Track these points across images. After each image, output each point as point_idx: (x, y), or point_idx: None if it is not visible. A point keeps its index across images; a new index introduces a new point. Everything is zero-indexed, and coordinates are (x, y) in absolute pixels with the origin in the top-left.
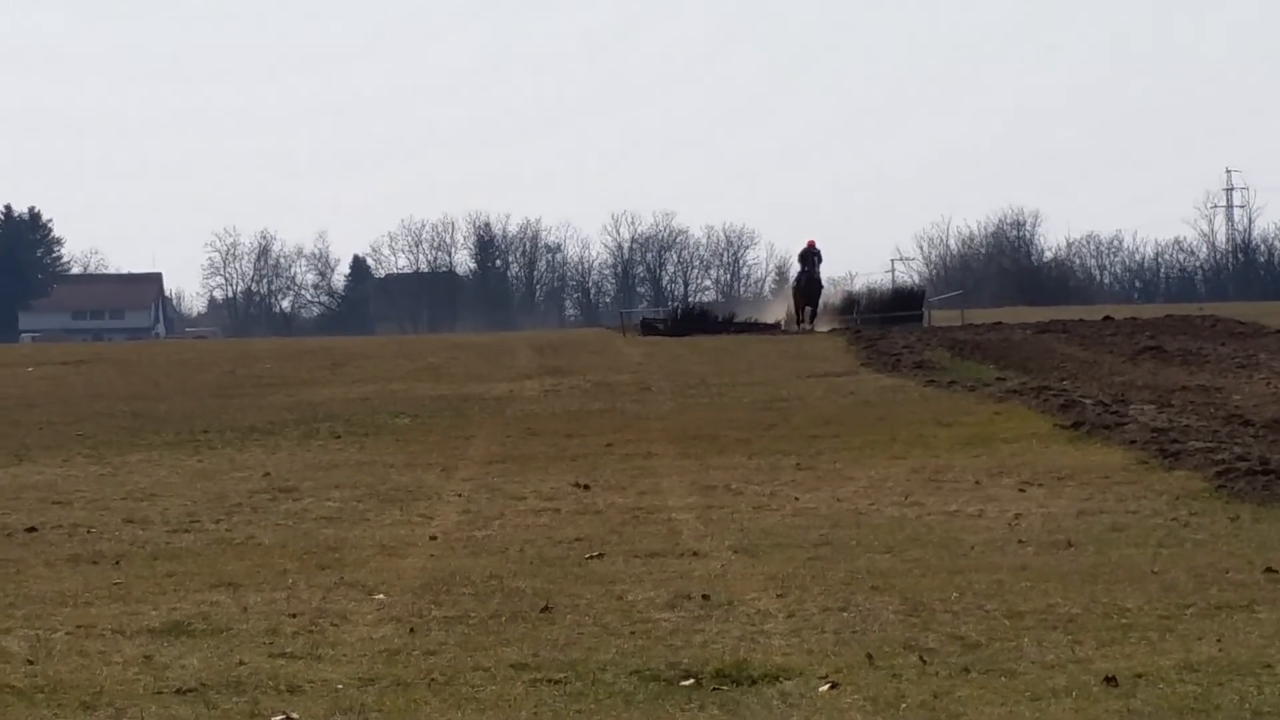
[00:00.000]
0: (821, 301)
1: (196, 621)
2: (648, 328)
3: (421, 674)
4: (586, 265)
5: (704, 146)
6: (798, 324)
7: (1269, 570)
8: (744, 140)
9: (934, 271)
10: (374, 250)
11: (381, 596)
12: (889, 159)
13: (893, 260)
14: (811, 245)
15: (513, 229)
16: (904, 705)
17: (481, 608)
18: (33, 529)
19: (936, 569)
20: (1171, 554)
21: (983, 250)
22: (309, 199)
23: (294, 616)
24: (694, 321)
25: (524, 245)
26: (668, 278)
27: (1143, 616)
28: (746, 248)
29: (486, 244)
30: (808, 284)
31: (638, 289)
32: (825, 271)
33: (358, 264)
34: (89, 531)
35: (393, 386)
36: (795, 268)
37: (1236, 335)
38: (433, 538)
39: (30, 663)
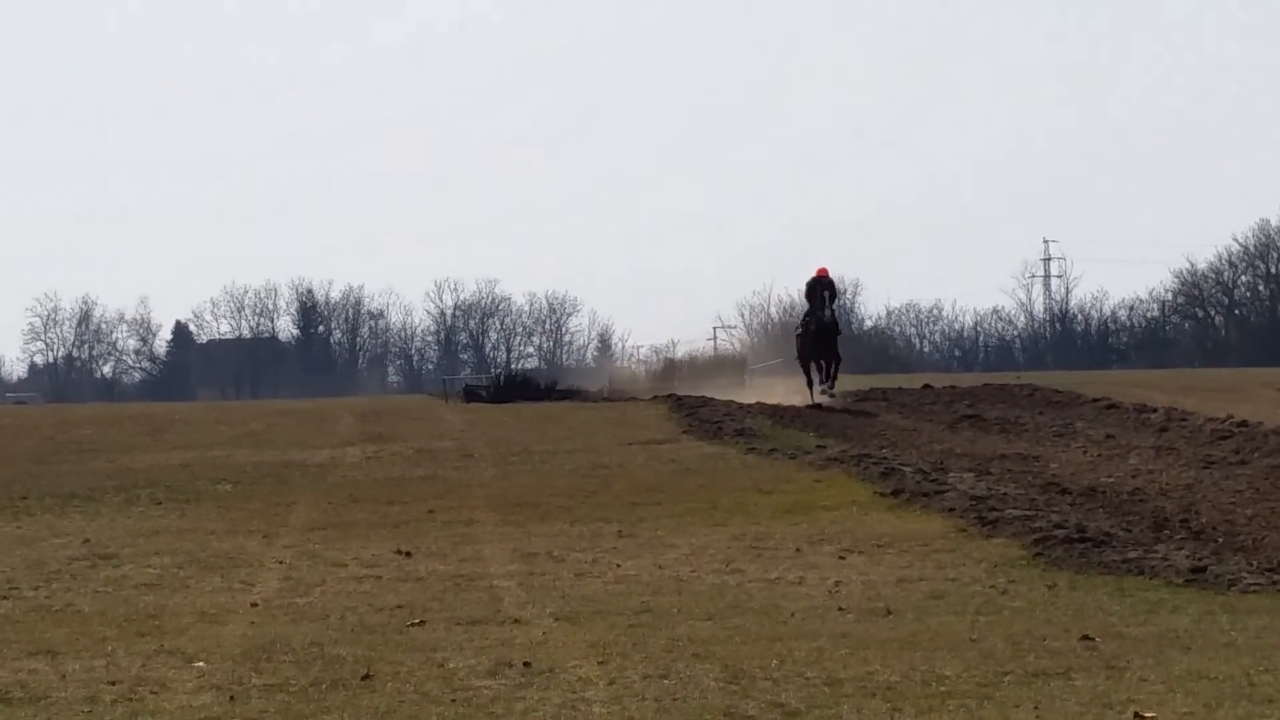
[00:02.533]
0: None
1: (14, 689)
2: (470, 395)
3: None
4: (409, 332)
5: (526, 215)
6: (810, 387)
7: (1085, 638)
8: (564, 209)
9: (755, 339)
10: (196, 316)
11: (201, 664)
12: (709, 228)
13: (715, 328)
14: (823, 275)
15: (335, 295)
16: None
17: (302, 675)
18: None
19: (757, 636)
20: (990, 621)
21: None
22: (130, 262)
23: (113, 684)
24: (516, 388)
25: (346, 312)
26: (490, 344)
27: (961, 684)
28: (569, 315)
29: (309, 310)
30: (819, 330)
31: (461, 355)
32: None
33: (180, 329)
34: None
35: (214, 453)
36: (798, 312)
37: (1054, 404)
38: (253, 605)
39: None
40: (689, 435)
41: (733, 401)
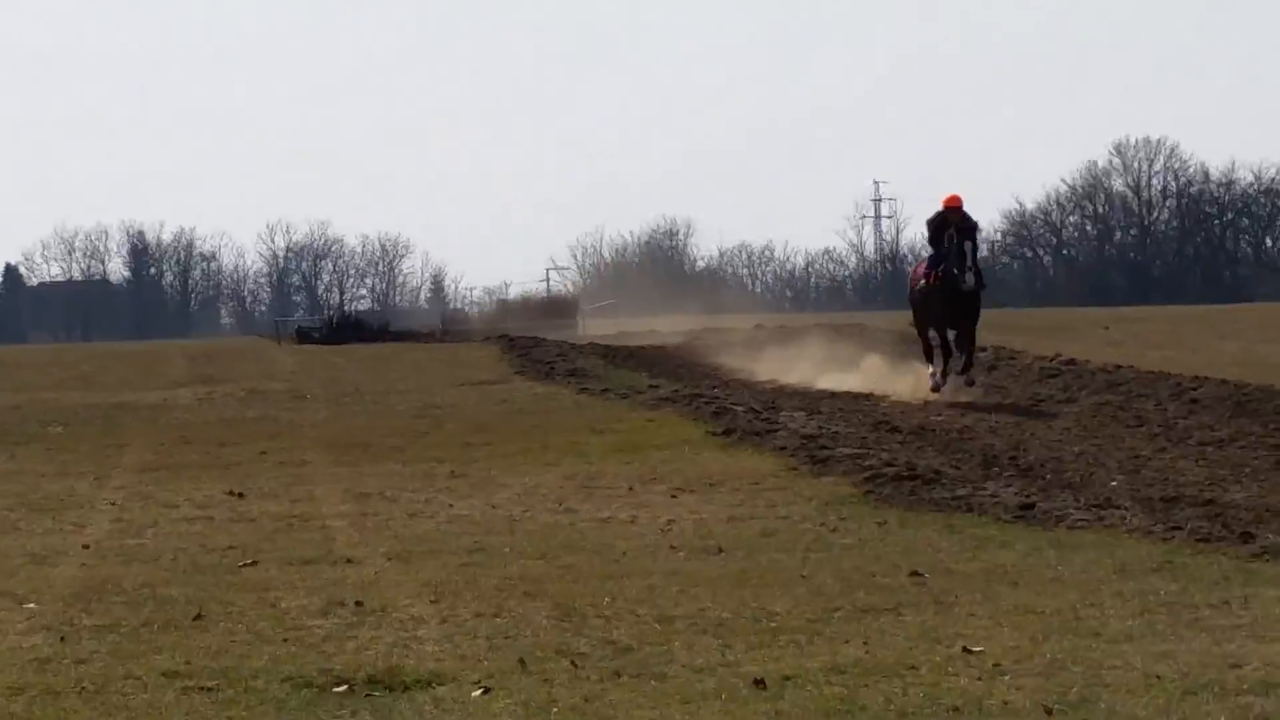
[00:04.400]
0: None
1: None
2: (303, 336)
3: (72, 682)
4: (242, 274)
5: (359, 155)
6: (932, 362)
7: (914, 574)
8: (396, 150)
9: (589, 281)
10: (26, 258)
11: (32, 605)
12: (543, 171)
13: (548, 270)
14: (955, 205)
15: (166, 237)
16: (555, 709)
17: (133, 616)
18: None
19: (589, 574)
20: (820, 558)
21: (636, 260)
22: None
23: None
24: (349, 330)
25: (178, 254)
26: (323, 286)
27: (791, 620)
28: (401, 257)
29: (140, 252)
30: (947, 292)
31: (294, 298)
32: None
33: (9, 272)
34: None
35: (44, 395)
36: (918, 258)
37: (883, 343)
38: (85, 546)
39: None
40: (521, 376)
41: (565, 342)
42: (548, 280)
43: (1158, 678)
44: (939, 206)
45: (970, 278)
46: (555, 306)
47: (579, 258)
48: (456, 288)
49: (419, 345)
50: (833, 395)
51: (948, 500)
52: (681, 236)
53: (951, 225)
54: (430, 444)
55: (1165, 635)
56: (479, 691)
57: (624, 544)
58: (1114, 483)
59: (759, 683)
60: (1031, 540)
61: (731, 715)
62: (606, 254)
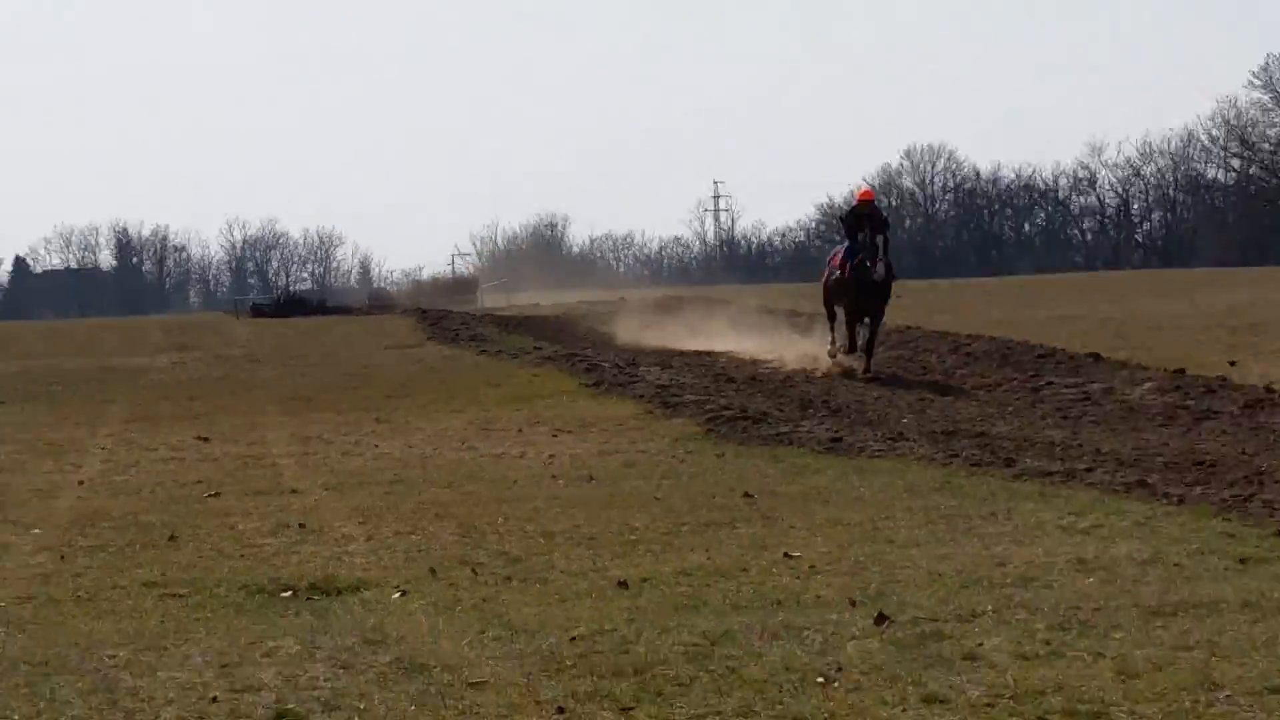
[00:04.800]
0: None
1: None
2: (257, 311)
3: (70, 592)
4: (207, 262)
5: (302, 160)
6: (835, 337)
7: (746, 495)
8: (334, 155)
9: (486, 263)
10: (31, 250)
11: (37, 531)
12: (451, 172)
13: (453, 255)
14: (867, 199)
15: (146, 232)
16: (459, 607)
17: (120, 538)
18: None
19: (487, 500)
20: (671, 484)
21: (524, 246)
22: None
23: None
24: (294, 306)
25: (155, 246)
26: (273, 271)
27: (648, 534)
28: (336, 246)
29: (125, 245)
30: (859, 284)
31: (249, 280)
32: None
33: (19, 263)
34: None
35: (47, 362)
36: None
37: (720, 311)
38: (80, 482)
39: None
40: (433, 341)
41: (467, 314)
42: (453, 264)
43: (939, 575)
44: (855, 199)
45: (881, 268)
46: (460, 285)
47: (478, 245)
48: (380, 270)
49: (351, 318)
50: (681, 354)
51: (773, 436)
52: (560, 227)
53: (864, 219)
54: (360, 397)
55: (945, 541)
56: (398, 594)
57: (515, 474)
58: (905, 420)
59: (622, 584)
60: (839, 467)
61: (600, 610)
62: (500, 242)
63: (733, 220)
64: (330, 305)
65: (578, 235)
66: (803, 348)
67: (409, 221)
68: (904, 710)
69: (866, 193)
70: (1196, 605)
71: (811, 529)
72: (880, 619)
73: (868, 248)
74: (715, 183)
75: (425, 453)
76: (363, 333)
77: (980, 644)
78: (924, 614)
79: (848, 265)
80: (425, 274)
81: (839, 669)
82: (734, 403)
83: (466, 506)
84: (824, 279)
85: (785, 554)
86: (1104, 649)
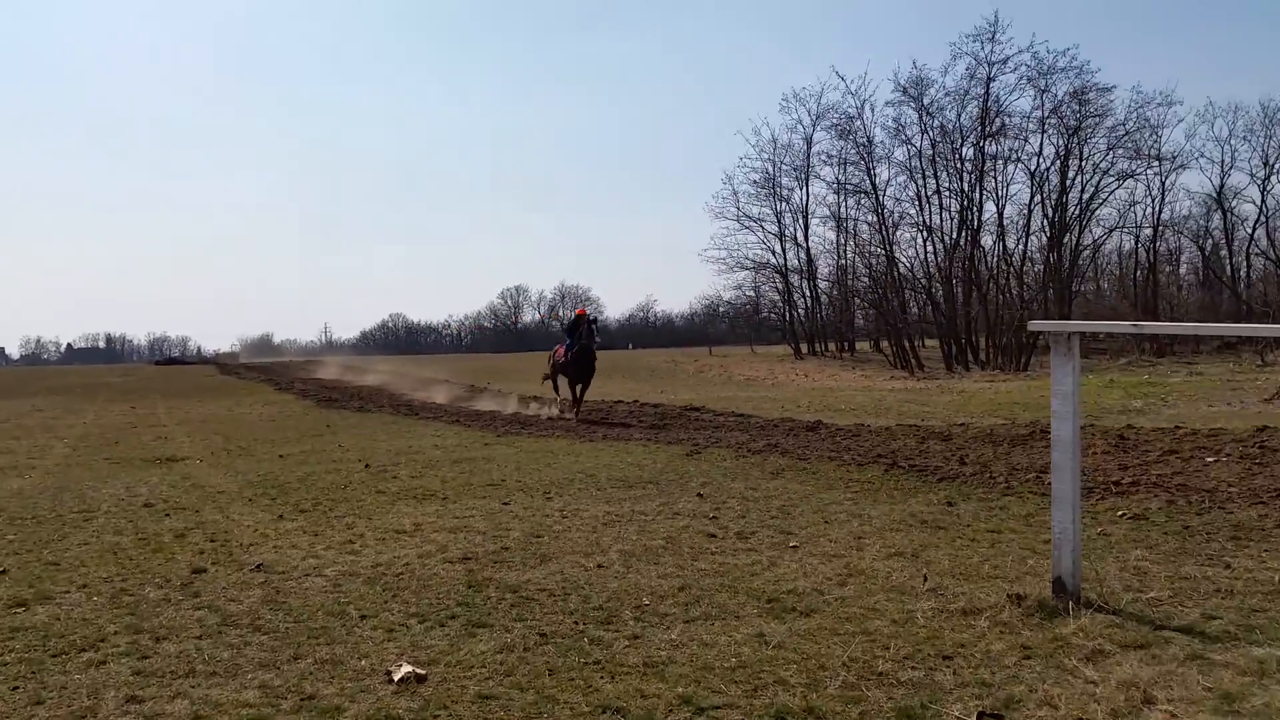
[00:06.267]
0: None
1: None
2: None
3: (47, 505)
4: None
5: None
6: (566, 401)
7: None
8: None
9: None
10: None
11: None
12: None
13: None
14: (583, 314)
15: None
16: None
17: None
18: None
19: None
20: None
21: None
22: None
23: None
24: None
25: None
26: None
27: None
28: None
29: None
30: (581, 355)
31: None
32: None
33: None
34: None
35: None
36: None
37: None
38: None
39: None
40: None
41: None
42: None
43: None
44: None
45: (597, 340)
46: None
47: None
48: None
49: None
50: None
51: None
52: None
53: (585, 323)
54: None
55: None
56: (200, 462)
57: None
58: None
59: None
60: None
61: None
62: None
63: None
64: None
65: None
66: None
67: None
68: None
69: (582, 310)
70: None
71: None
72: None
73: (587, 337)
74: None
75: None
76: None
77: None
78: None
79: (569, 351)
80: None
81: None
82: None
83: None
84: (553, 363)
85: None
86: None
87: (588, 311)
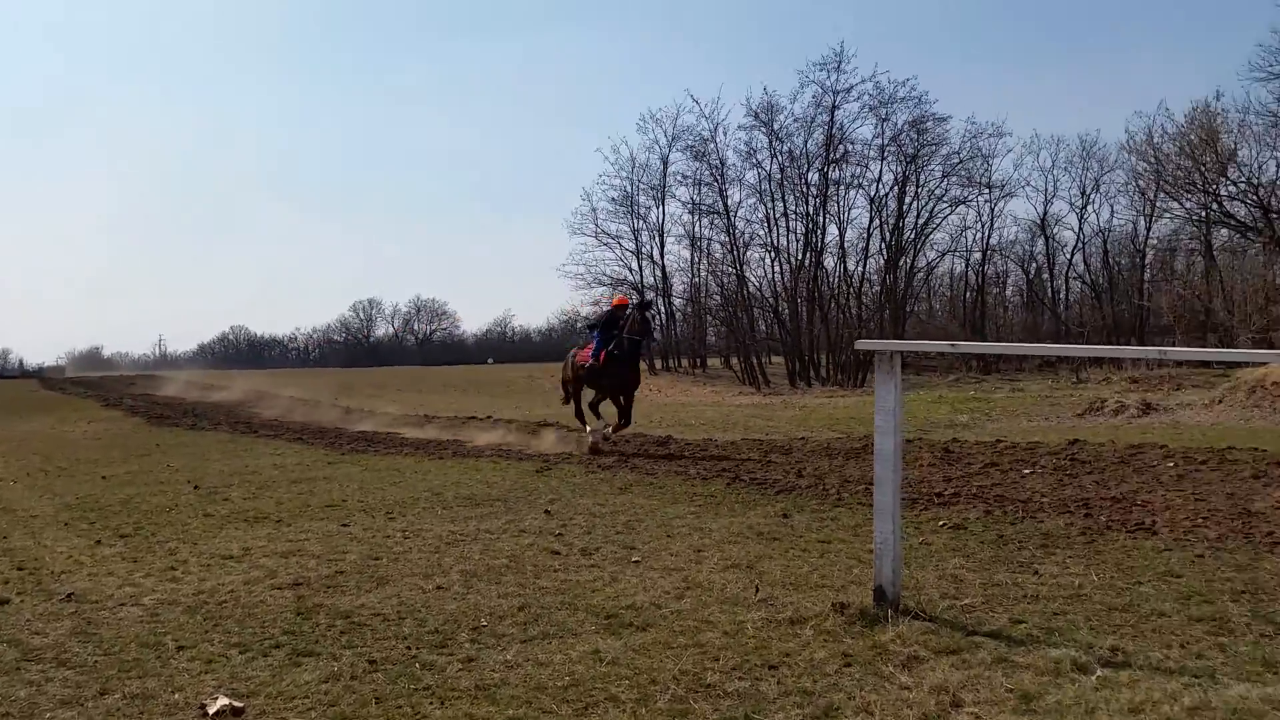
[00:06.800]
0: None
1: None
2: None
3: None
4: None
5: None
6: (586, 421)
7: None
8: None
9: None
10: None
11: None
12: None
13: None
14: (623, 303)
15: None
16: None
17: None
18: None
19: None
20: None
21: None
22: None
23: None
24: None
25: None
26: None
27: None
28: None
29: None
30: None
31: None
32: None
33: None
34: None
35: None
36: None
37: None
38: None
39: None
40: None
41: None
42: None
43: None
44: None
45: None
46: None
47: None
48: None
49: None
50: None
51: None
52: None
53: (623, 315)
54: None
55: None
56: (14, 484)
57: None
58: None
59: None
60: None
61: None
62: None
63: None
64: None
65: None
66: None
67: None
68: None
69: (622, 299)
70: None
71: None
72: None
73: (630, 340)
74: None
75: None
76: None
77: None
78: None
79: (603, 353)
80: None
81: None
82: None
83: None
84: (574, 371)
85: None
86: None
87: (630, 300)
